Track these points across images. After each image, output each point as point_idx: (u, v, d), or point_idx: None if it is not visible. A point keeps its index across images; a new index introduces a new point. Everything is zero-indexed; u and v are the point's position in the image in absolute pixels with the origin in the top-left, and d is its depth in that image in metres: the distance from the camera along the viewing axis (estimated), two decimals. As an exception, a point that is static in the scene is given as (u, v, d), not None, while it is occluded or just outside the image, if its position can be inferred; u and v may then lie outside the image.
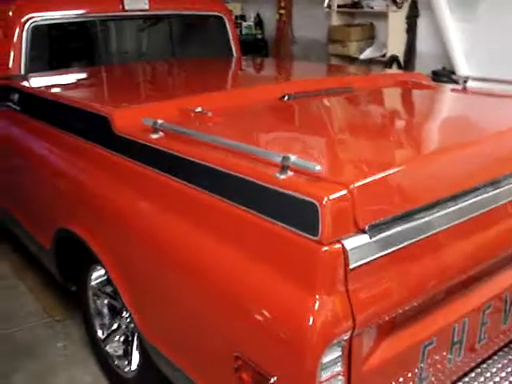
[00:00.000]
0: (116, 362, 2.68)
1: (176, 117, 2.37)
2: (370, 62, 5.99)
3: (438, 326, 1.82)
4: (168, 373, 2.18)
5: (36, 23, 3.82)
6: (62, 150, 2.81)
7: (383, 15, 5.69)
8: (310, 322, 1.44)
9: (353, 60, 6.07)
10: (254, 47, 7.73)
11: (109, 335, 2.73)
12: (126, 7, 4.21)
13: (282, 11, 7.41)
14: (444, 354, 1.89)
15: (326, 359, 1.48)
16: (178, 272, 1.93)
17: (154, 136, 2.14)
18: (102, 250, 2.41)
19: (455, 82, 3.37)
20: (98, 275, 2.70)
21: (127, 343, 2.62)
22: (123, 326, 2.62)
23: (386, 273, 1.57)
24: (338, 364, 1.52)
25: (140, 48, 4.67)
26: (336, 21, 6.26)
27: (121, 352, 2.68)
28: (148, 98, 2.83)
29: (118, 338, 2.69)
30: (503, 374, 2.10)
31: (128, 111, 2.45)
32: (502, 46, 4.89)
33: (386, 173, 1.57)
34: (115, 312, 2.68)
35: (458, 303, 1.90)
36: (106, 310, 2.76)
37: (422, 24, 5.60)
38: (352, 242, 1.48)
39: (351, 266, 1.48)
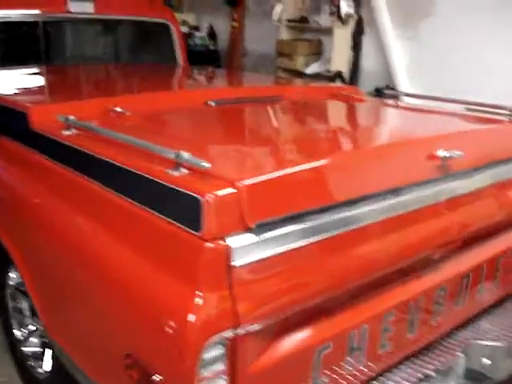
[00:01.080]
0: (31, 363, 2.64)
1: (95, 115, 2.36)
2: (315, 76, 6.06)
3: (334, 331, 1.83)
4: (75, 374, 2.15)
5: (-24, 21, 3.76)
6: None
7: (330, 31, 5.77)
8: (190, 318, 1.44)
9: (300, 74, 6.13)
10: (207, 58, 7.75)
11: (25, 336, 2.69)
12: (70, 9, 4.18)
13: (235, 23, 7.46)
14: (342, 360, 1.90)
15: (206, 356, 1.47)
16: (77, 270, 1.91)
17: (66, 132, 2.13)
18: (14, 249, 2.39)
19: (394, 97, 3.44)
20: (15, 275, 2.66)
21: (44, 344, 2.58)
22: (39, 327, 2.58)
23: (273, 273, 1.57)
24: (221, 363, 1.52)
25: (83, 51, 4.63)
26: (285, 35, 6.33)
27: (36, 353, 2.64)
28: (73, 96, 2.81)
29: (34, 338, 2.64)
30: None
31: (46, 108, 2.43)
32: (443, 64, 5.00)
33: (277, 173, 1.58)
34: (32, 313, 2.64)
35: (357, 309, 1.92)
36: (23, 311, 2.72)
37: (367, 41, 5.69)
38: (237, 240, 1.48)
39: (235, 264, 1.48)
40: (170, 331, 1.47)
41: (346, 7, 5.37)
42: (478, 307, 2.57)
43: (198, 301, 1.45)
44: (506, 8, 4.50)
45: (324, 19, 5.93)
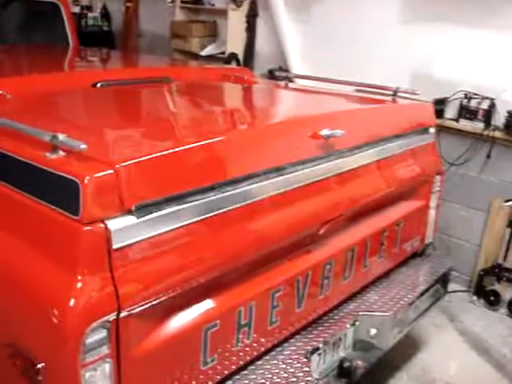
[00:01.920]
0: None
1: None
2: (210, 58, 6.04)
3: (221, 309, 1.85)
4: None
5: None
6: None
7: (225, 12, 5.75)
8: (71, 303, 1.41)
9: (195, 56, 6.08)
10: (101, 39, 7.52)
11: None
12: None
13: (129, 4, 7.27)
14: (231, 337, 1.93)
15: (89, 341, 1.45)
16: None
17: None
18: None
19: (286, 79, 3.49)
20: None
21: None
22: None
23: (154, 254, 1.57)
24: (104, 347, 1.50)
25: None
26: (180, 16, 6.24)
27: None
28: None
29: None
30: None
31: None
32: (333, 47, 5.11)
33: (156, 155, 1.57)
34: None
35: (244, 286, 1.95)
36: None
37: (261, 23, 5.72)
38: (116, 223, 1.47)
39: (115, 247, 1.46)
40: (51, 318, 1.44)
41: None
42: (365, 280, 2.67)
43: (78, 285, 1.43)
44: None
45: (218, 1, 5.89)
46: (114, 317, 1.48)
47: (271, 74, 5.35)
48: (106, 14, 7.75)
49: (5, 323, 1.65)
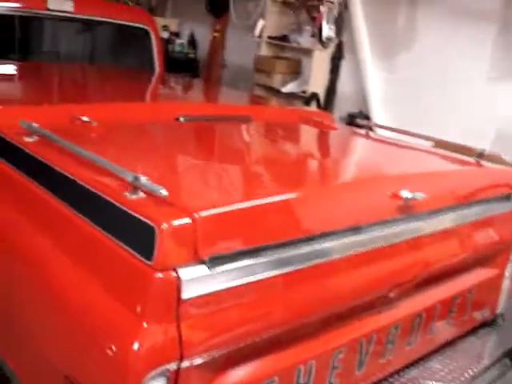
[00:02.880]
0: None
1: (61, 122, 2.32)
2: (291, 95, 6.07)
3: (280, 366, 1.80)
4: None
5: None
6: None
7: (310, 52, 5.79)
8: (134, 347, 1.40)
9: (276, 92, 6.14)
10: (185, 66, 7.71)
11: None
12: (50, 7, 4.12)
13: (217, 34, 7.44)
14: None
15: (147, 387, 1.43)
16: (22, 282, 1.86)
17: (28, 139, 2.07)
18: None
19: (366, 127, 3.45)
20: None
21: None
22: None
23: (221, 306, 1.54)
24: (162, 395, 1.48)
25: (58, 49, 4.57)
26: (265, 51, 6.33)
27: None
28: (40, 99, 2.76)
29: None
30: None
31: (9, 111, 2.36)
32: (415, 97, 5.06)
33: (236, 206, 1.55)
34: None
35: (306, 345, 1.90)
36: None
37: (346, 66, 5.73)
38: (188, 272, 1.45)
39: (184, 296, 1.45)
40: (113, 358, 1.43)
41: (328, 31, 5.39)
42: (430, 347, 2.57)
43: (144, 330, 1.41)
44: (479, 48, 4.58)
45: (305, 40, 5.94)
46: (176, 366, 1.46)
47: (351, 118, 5.33)
48: (192, 42, 7.94)
49: (63, 353, 1.66)
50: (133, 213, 1.49)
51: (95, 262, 1.60)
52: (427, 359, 2.59)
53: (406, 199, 2.09)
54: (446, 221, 2.38)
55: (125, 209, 1.51)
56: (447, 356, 2.67)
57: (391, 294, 2.17)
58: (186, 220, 1.44)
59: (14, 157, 2.10)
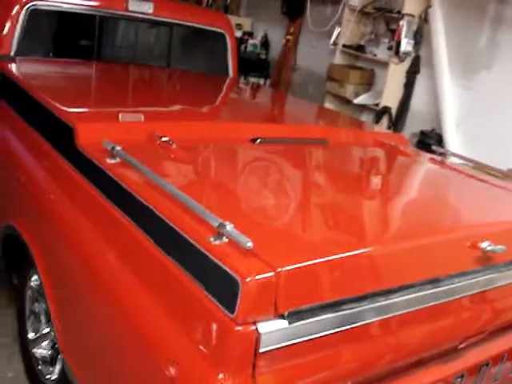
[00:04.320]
0: (39, 367, 2.64)
1: (141, 141, 2.36)
2: (363, 107, 6.00)
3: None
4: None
5: (36, 7, 3.77)
6: (28, 147, 2.77)
7: (385, 64, 5.69)
8: (209, 398, 1.41)
9: (347, 102, 6.07)
10: (256, 66, 7.71)
11: (38, 338, 2.69)
12: (130, 8, 4.18)
13: (290, 37, 7.39)
14: None
15: None
16: (100, 301, 1.92)
17: (111, 161, 2.11)
18: (39, 257, 2.39)
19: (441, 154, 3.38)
20: (36, 277, 2.66)
21: (54, 350, 2.57)
22: (52, 333, 2.57)
23: (299, 360, 1.54)
24: None
25: (136, 51, 4.64)
26: (339, 59, 6.26)
27: (46, 358, 2.63)
28: (121, 113, 2.80)
29: (47, 343, 2.64)
30: None
31: (93, 127, 2.40)
32: (492, 118, 4.91)
33: (319, 260, 1.54)
34: (48, 317, 2.64)
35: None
36: (39, 313, 2.72)
37: (421, 81, 5.61)
38: (267, 326, 1.45)
39: (262, 350, 1.45)
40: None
41: (406, 45, 5.29)
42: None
43: (220, 381, 1.42)
44: None
45: (381, 51, 5.83)
46: None
47: (423, 136, 5.23)
48: (265, 43, 7.92)
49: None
50: (217, 261, 1.49)
51: (175, 301, 1.62)
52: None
53: (486, 251, 2.03)
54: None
55: (209, 255, 1.52)
56: None
57: (461, 346, 2.13)
58: (270, 274, 1.44)
59: (96, 176, 2.14)
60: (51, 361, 2.59)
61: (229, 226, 1.52)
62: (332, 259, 1.58)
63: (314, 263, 1.53)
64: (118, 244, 1.92)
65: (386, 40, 5.75)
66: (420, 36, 5.40)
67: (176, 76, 4.32)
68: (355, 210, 2.13)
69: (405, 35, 5.29)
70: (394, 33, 5.53)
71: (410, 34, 5.33)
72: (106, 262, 1.93)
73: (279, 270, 1.45)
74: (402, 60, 5.51)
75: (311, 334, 1.54)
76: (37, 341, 2.69)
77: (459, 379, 2.21)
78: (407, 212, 2.24)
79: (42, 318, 2.69)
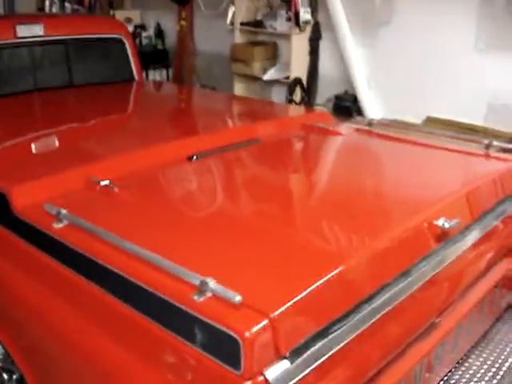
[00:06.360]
0: None
1: (80, 192, 2.27)
2: (273, 82, 6.00)
3: None
4: None
5: None
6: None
7: (286, 36, 5.70)
8: None
9: (256, 79, 6.06)
10: (155, 58, 7.57)
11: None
12: (19, 34, 4.01)
13: (183, 22, 7.26)
14: None
15: None
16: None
17: (58, 225, 2.00)
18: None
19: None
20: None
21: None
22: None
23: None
24: None
25: (37, 77, 4.41)
26: (239, 38, 6.20)
27: None
28: (49, 163, 2.60)
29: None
30: None
31: (28, 187, 2.26)
32: (401, 73, 5.03)
33: (305, 292, 1.55)
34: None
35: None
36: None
37: (325, 46, 5.66)
38: (274, 371, 1.45)
39: (272, 395, 1.46)
40: None
41: (304, 14, 5.31)
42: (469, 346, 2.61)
43: None
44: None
45: (280, 24, 5.81)
46: None
47: (338, 100, 5.30)
48: (159, 33, 7.77)
49: None
50: (209, 321, 1.47)
51: (172, 370, 1.58)
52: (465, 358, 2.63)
53: (443, 227, 2.11)
54: (476, 233, 2.39)
55: (199, 316, 1.49)
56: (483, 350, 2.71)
57: (437, 320, 2.22)
58: (265, 322, 1.44)
59: (47, 245, 2.03)
60: None
61: (211, 283, 1.50)
62: (316, 286, 1.59)
63: (302, 296, 1.54)
64: (98, 319, 1.81)
65: (283, 11, 5.73)
66: (315, 2, 5.43)
67: (84, 96, 4.13)
68: (313, 222, 2.11)
69: (301, 4, 5.31)
70: (289, 4, 5.53)
71: (306, 1, 5.36)
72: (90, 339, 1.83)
73: (272, 315, 1.45)
74: (303, 30, 5.53)
75: (310, 365, 1.54)
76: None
77: (441, 348, 2.30)
78: (364, 208, 2.26)
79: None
